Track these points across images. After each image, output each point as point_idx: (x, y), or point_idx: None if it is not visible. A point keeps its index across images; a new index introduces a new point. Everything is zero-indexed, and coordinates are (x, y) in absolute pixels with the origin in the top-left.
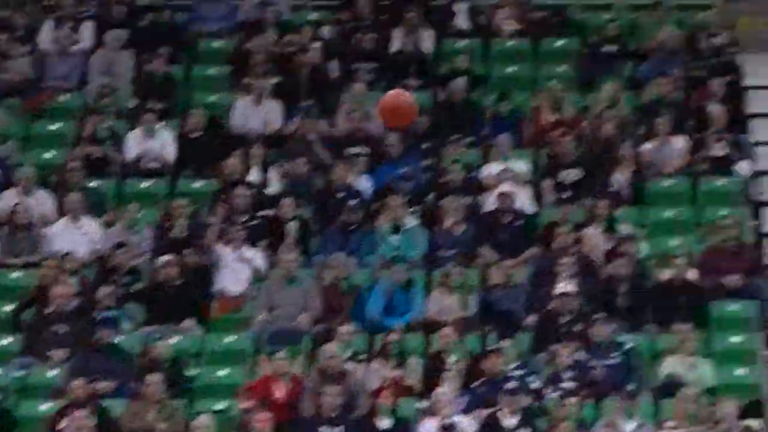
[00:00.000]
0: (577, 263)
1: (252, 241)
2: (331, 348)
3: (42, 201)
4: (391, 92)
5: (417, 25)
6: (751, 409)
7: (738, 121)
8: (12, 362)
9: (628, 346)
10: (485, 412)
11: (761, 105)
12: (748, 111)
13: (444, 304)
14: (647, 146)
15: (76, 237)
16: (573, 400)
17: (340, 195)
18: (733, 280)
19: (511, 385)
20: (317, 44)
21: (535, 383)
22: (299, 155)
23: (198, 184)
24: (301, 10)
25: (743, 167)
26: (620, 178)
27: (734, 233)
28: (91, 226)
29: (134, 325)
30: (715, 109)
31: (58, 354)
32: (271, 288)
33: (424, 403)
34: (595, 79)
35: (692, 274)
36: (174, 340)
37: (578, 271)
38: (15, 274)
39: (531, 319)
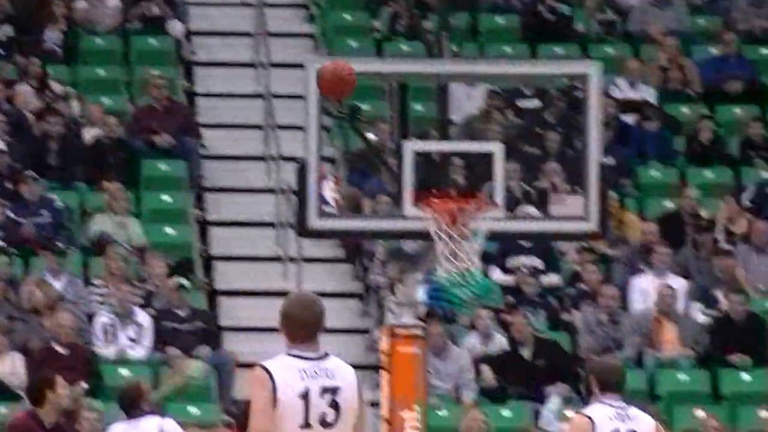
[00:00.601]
0: (8, 121)
1: None
2: None
3: None
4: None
5: None
6: (181, 267)
7: None
8: None
9: (58, 204)
10: None
11: None
12: None
13: None
14: (81, 3)
15: None
16: (3, 257)
17: None
18: (164, 139)
19: None
20: None
21: None
22: None
23: None
24: None
25: (176, 27)
26: (53, 35)
27: (166, 93)
28: None
29: None
30: None
31: None
32: None
33: None
34: None
35: (123, 133)
36: None
37: (10, 129)
38: None
39: None
